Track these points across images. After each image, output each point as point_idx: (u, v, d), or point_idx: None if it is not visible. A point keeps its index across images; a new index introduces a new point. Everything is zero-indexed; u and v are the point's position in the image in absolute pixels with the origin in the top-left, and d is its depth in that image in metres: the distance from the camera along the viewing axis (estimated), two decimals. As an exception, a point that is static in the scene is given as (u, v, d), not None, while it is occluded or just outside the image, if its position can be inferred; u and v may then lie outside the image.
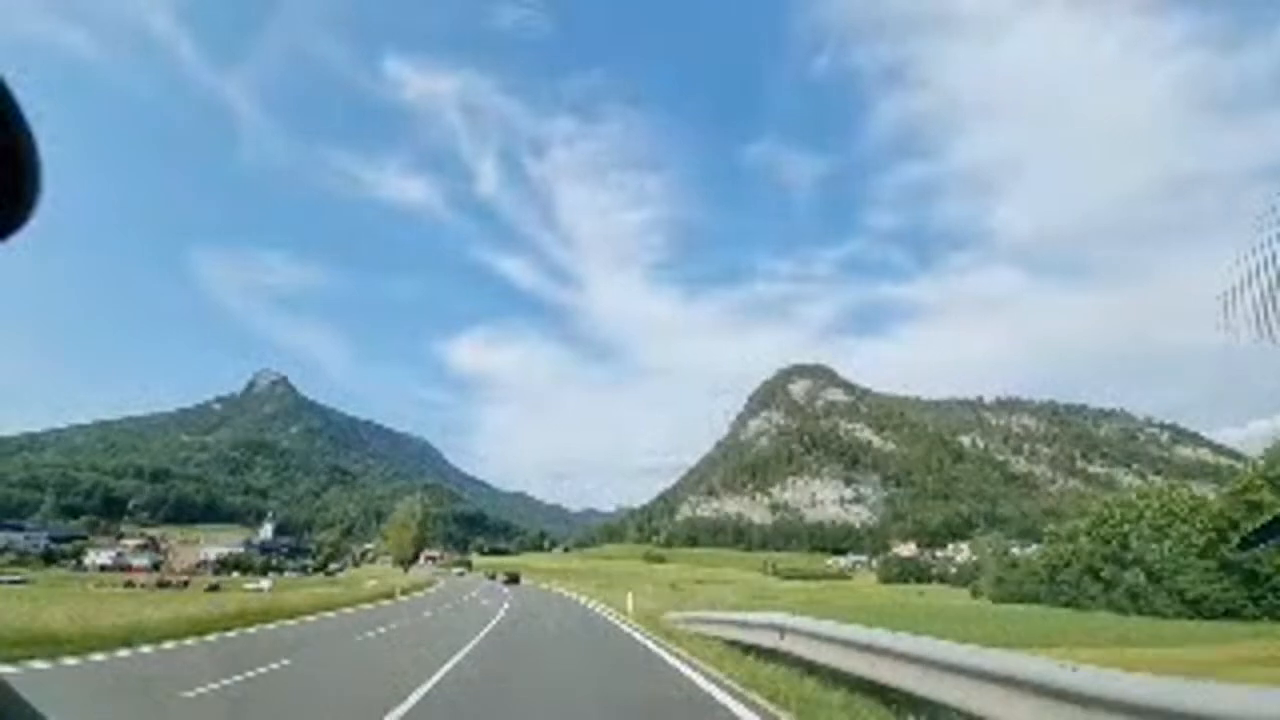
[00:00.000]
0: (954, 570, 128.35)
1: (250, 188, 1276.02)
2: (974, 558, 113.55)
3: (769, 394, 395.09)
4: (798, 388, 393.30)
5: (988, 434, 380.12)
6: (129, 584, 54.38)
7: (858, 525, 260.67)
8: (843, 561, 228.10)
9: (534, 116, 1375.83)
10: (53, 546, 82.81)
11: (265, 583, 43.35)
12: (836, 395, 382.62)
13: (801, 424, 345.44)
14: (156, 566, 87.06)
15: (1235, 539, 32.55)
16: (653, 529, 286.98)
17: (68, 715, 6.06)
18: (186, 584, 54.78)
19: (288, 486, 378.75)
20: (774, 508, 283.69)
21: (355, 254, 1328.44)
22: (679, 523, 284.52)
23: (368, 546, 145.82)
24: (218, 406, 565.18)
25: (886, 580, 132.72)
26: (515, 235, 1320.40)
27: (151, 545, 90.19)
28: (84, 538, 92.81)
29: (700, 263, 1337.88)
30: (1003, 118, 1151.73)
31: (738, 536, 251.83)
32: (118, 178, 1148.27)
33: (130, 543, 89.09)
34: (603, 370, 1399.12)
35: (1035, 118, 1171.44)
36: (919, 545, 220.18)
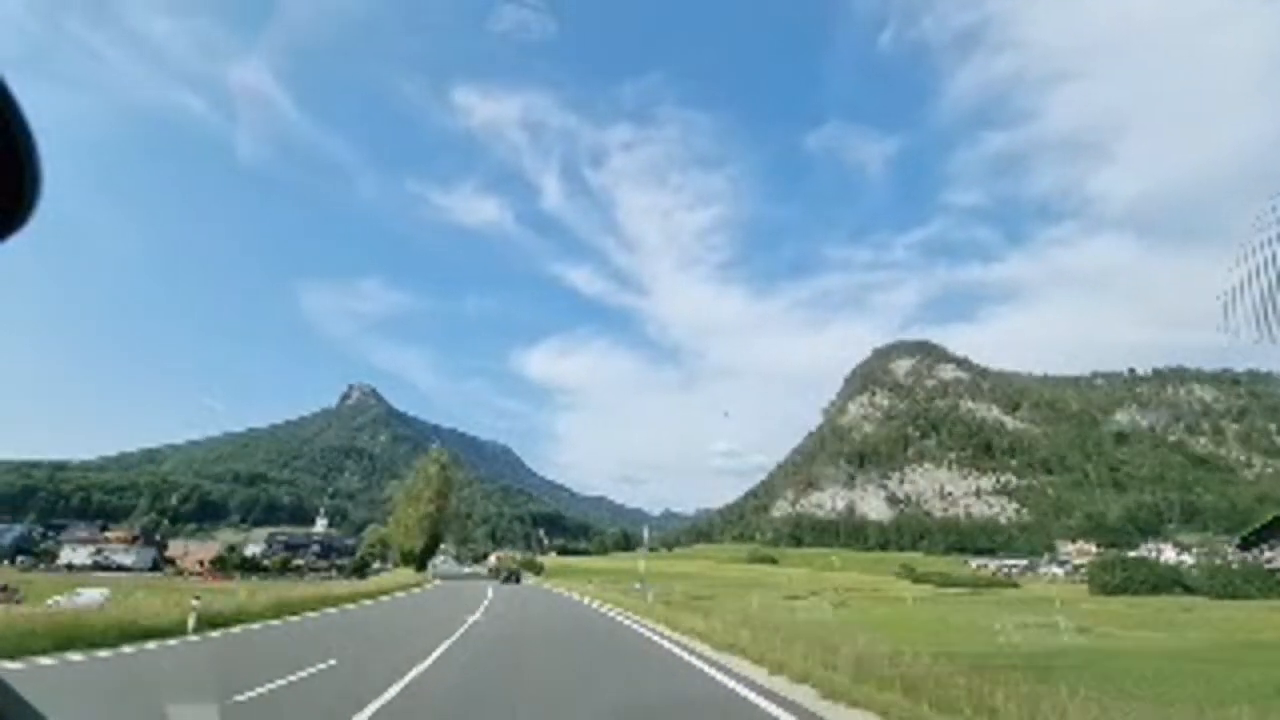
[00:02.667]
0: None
1: (346, 223, 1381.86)
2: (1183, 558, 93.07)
3: (868, 376, 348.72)
4: (901, 366, 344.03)
5: (1147, 410, 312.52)
6: None
7: (1004, 521, 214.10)
8: (991, 564, 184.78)
9: (592, 127, 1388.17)
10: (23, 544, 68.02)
11: (94, 594, 19.86)
12: (949, 373, 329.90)
13: (911, 405, 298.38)
14: (157, 566, 69.63)
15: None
16: (746, 527, 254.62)
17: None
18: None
19: (374, 489, 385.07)
20: (893, 501, 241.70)
21: (436, 275, 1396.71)
22: (777, 520, 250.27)
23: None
24: (316, 418, 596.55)
25: (1107, 590, 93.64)
26: (581, 246, 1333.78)
27: (146, 541, 72.97)
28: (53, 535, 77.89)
29: (768, 258, 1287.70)
30: (1099, 74, 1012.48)
31: (853, 534, 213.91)
32: (234, 220, 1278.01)
33: (115, 534, 72.10)
34: (674, 373, 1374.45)
35: (1138, 70, 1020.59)
36: (1099, 545, 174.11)
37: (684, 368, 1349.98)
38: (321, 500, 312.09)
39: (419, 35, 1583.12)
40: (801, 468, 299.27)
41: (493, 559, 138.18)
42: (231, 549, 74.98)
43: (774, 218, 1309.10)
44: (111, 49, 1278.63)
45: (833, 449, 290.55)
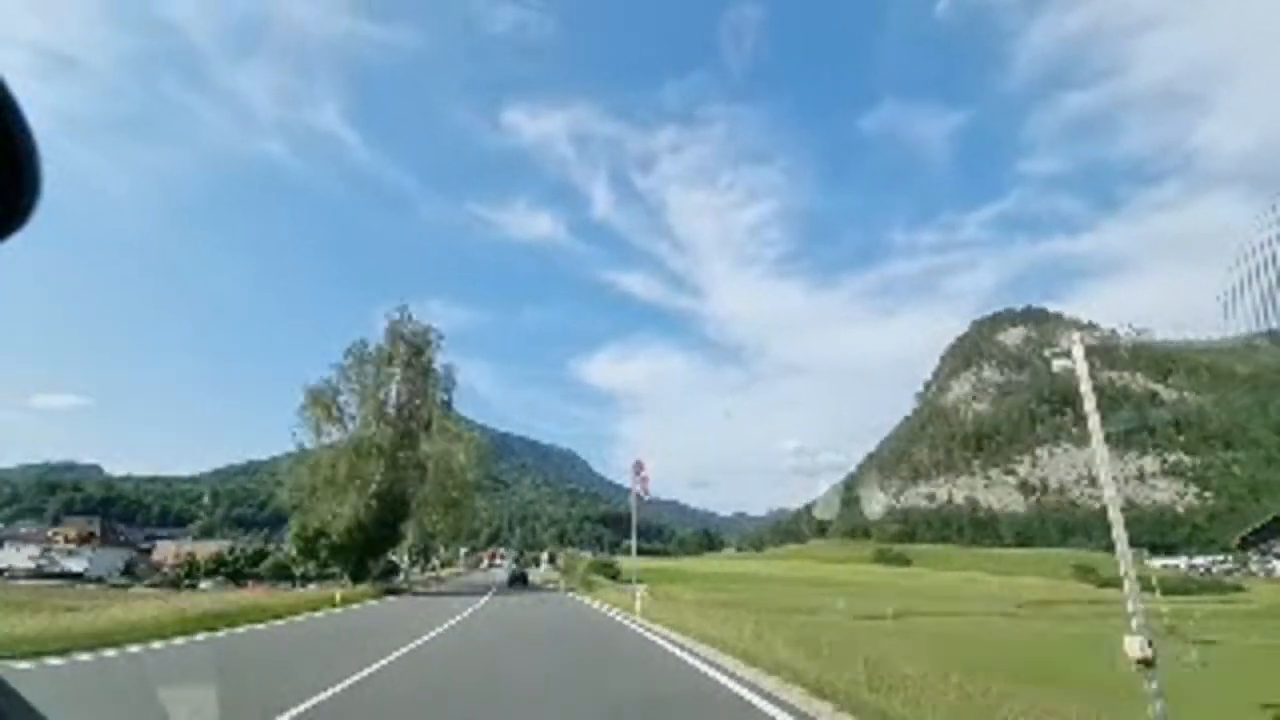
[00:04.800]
0: None
1: (413, 247, 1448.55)
2: None
3: (971, 350, 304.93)
4: (1011, 337, 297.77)
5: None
6: None
7: (1182, 509, 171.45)
8: (1179, 563, 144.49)
9: (638, 133, 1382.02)
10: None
11: None
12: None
13: (1032, 378, 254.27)
14: (130, 571, 53.77)
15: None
16: (841, 524, 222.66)
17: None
18: None
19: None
20: (1025, 488, 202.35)
21: (495, 290, 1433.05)
22: (881, 515, 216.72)
23: (464, 551, 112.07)
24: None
25: None
26: (634, 251, 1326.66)
27: (110, 540, 57.30)
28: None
29: (827, 249, 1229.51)
30: (1190, 18, 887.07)
31: (980, 529, 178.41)
32: (316, 251, 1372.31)
33: (66, 533, 56.74)
34: (737, 373, 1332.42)
35: (1238, 9, 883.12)
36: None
37: (746, 367, 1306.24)
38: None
39: (468, 62, 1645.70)
40: (901, 457, 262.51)
41: (546, 560, 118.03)
42: (231, 550, 59.04)
43: (831, 207, 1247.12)
44: (203, 105, 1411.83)
45: (938, 433, 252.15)
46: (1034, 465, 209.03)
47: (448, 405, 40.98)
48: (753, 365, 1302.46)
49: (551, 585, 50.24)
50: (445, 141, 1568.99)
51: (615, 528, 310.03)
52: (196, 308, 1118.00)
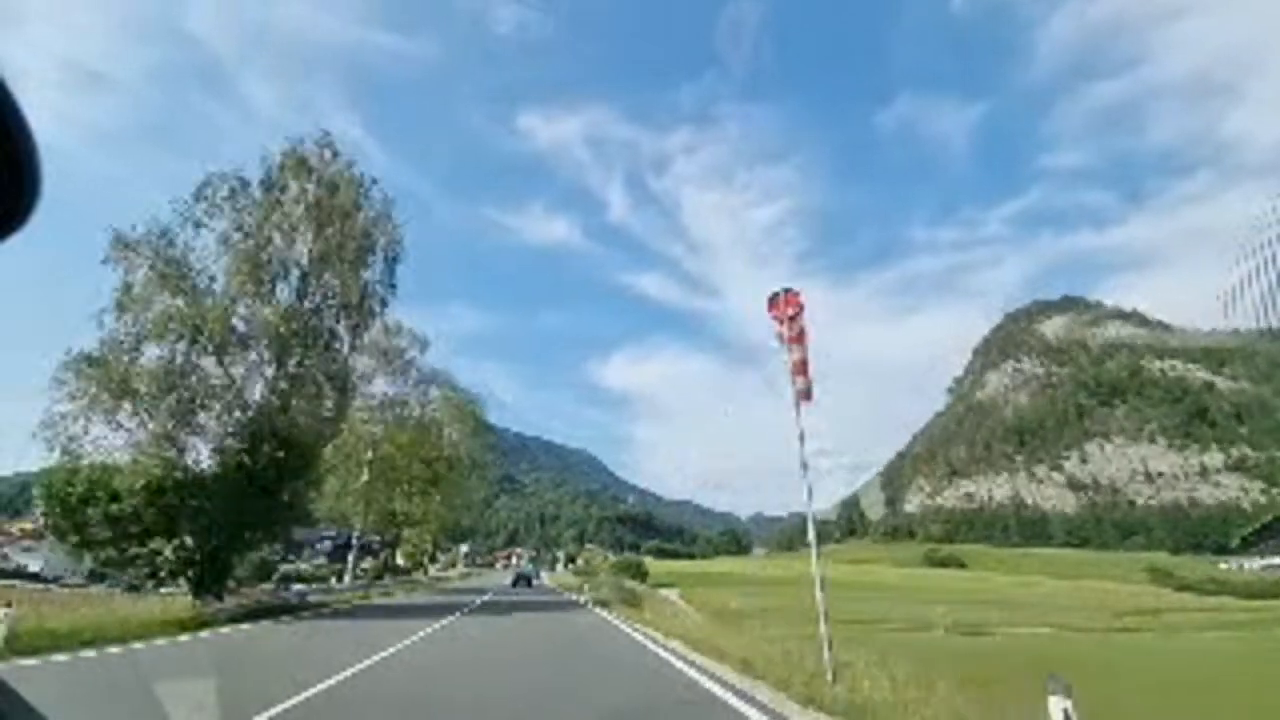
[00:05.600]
0: None
1: (434, 253, 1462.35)
2: None
3: (1007, 342, 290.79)
4: (1050, 328, 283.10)
5: None
6: None
7: (1248, 506, 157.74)
8: (1255, 564, 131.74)
9: (652, 135, 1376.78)
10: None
11: None
12: (1118, 330, 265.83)
13: (1075, 370, 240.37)
14: (98, 574, 48.06)
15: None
16: (883, 525, 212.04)
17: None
18: None
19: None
20: (1074, 486, 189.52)
21: (512, 294, 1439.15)
22: (913, 516, 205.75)
23: (464, 549, 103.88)
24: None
25: None
26: (650, 253, 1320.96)
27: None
28: None
29: (845, 247, 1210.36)
30: (1217, 7, 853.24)
31: (1028, 529, 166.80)
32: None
33: (22, 525, 51.07)
34: (754, 374, 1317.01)
35: None
36: None
37: (763, 369, 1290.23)
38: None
39: (482, 68, 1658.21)
40: (935, 454, 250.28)
41: (563, 560, 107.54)
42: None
43: (848, 205, 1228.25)
44: (226, 116, 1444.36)
45: (977, 429, 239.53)
46: (1083, 461, 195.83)
47: (391, 289, 23.31)
48: (770, 367, 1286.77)
49: (571, 595, 35.80)
50: (461, 147, 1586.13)
51: (634, 528, 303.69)
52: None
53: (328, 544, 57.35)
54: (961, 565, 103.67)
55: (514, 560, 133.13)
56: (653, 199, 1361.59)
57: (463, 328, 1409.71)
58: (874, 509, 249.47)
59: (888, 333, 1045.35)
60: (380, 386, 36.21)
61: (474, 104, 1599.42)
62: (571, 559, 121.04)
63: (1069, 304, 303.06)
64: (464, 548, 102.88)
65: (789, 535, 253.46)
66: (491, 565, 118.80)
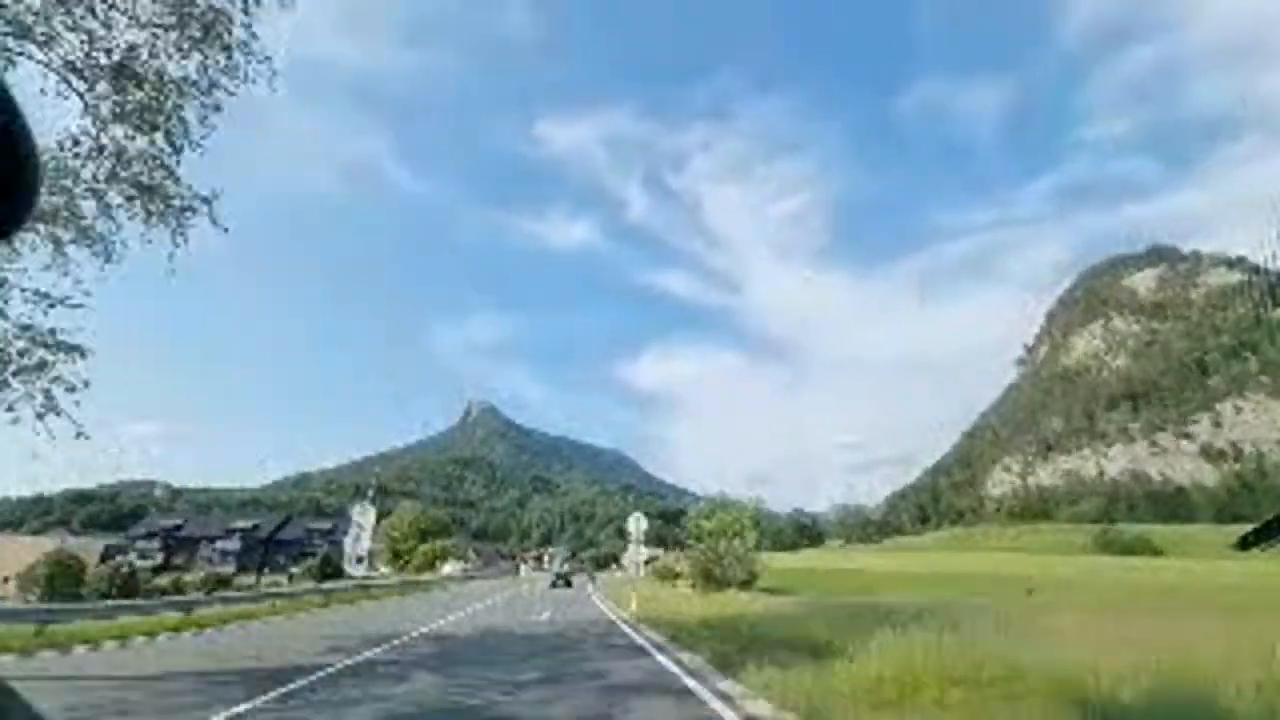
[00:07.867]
0: None
1: (458, 263, 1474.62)
2: None
3: (1091, 300, 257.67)
4: (1140, 281, 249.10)
5: None
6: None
7: None
8: None
9: (669, 132, 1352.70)
10: None
11: None
12: (1224, 277, 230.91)
13: (1184, 325, 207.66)
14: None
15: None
16: (960, 510, 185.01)
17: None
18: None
19: (494, 498, 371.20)
20: (1209, 454, 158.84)
21: (537, 298, 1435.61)
22: (1005, 497, 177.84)
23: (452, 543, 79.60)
24: (439, 438, 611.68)
25: None
26: (671, 252, 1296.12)
27: None
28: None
29: (870, 236, 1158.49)
30: None
31: (1162, 506, 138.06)
32: (366, 278, 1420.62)
33: None
34: (781, 369, 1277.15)
35: None
36: None
37: (791, 363, 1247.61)
38: (441, 510, 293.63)
39: (500, 77, 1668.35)
40: (1017, 430, 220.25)
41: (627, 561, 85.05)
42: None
43: (871, 192, 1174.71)
44: (260, 146, 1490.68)
45: (1069, 399, 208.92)
46: (1216, 424, 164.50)
47: None
48: (798, 361, 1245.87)
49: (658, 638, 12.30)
50: (482, 159, 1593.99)
51: (674, 525, 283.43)
52: (254, 335, 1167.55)
53: (236, 539, 37.28)
54: (1156, 551, 77.93)
55: (546, 561, 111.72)
56: (672, 196, 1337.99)
57: (493, 335, 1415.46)
58: (945, 496, 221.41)
59: (922, 321, 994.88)
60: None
61: (490, 113, 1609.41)
62: (614, 559, 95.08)
63: (1158, 255, 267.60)
64: (470, 547, 79.66)
65: (853, 528, 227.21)
66: (515, 571, 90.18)
